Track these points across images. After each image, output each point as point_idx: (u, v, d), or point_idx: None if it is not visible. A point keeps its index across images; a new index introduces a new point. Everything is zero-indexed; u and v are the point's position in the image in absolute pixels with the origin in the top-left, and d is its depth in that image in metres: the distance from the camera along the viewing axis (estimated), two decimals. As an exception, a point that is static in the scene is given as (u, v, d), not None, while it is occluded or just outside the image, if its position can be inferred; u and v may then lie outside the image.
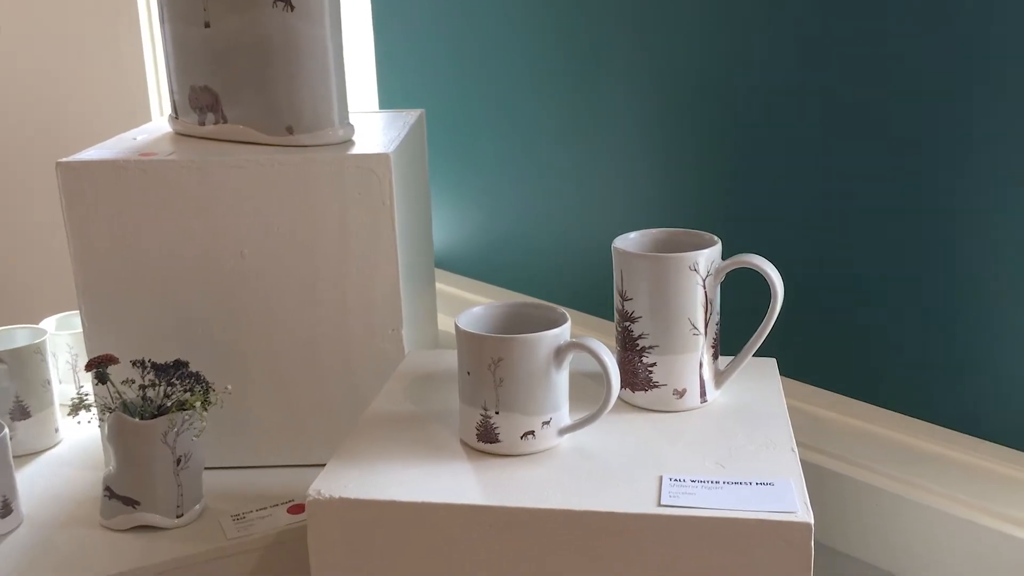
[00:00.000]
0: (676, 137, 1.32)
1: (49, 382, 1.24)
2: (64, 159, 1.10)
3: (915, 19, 1.05)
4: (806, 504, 0.75)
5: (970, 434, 1.07)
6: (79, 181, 1.09)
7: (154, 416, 1.03)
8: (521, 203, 1.56)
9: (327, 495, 0.80)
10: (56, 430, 1.26)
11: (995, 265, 1.02)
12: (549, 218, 1.52)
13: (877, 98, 1.10)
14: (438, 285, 1.56)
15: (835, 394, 1.18)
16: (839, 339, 1.18)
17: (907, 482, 1.03)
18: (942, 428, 1.09)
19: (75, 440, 1.27)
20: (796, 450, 0.84)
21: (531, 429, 0.84)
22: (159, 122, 1.33)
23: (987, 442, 1.06)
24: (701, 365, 0.92)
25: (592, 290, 1.45)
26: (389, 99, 1.72)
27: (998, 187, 1.00)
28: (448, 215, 1.68)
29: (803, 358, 1.19)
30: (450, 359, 1.02)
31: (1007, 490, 1.00)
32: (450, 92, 1.62)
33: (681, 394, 0.92)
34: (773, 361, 1.02)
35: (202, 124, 1.19)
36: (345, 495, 0.79)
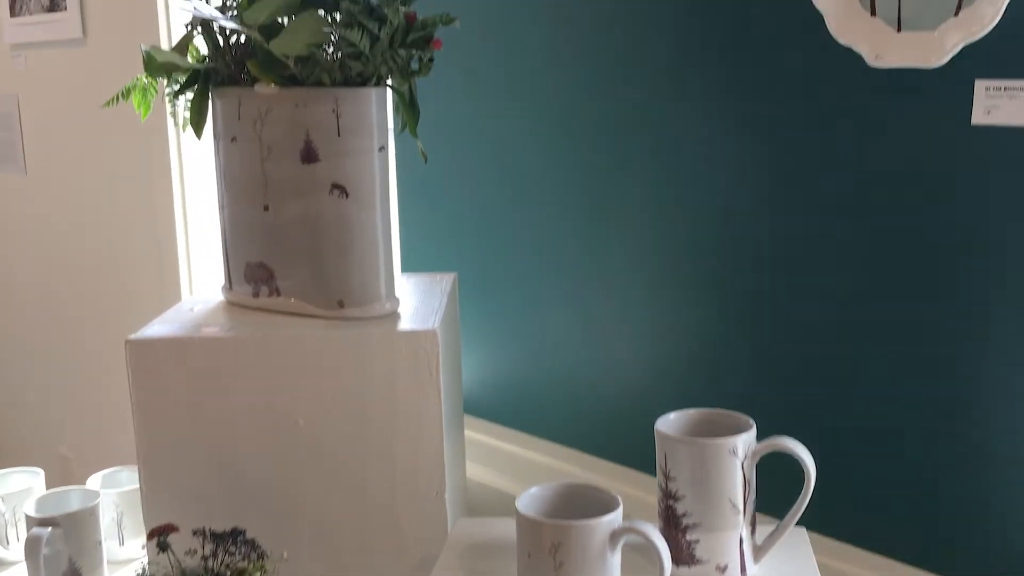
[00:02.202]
0: (684, 294, 1.41)
1: (100, 543, 1.28)
2: (133, 336, 1.17)
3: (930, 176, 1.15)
4: None
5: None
6: (147, 357, 1.16)
7: (213, 584, 1.08)
8: (542, 349, 1.64)
9: None
10: (103, 591, 1.30)
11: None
12: (570, 363, 1.60)
13: (897, 261, 1.19)
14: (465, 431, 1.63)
15: (859, 549, 1.25)
16: (860, 494, 1.25)
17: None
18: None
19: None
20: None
21: (588, 610, 0.90)
22: (209, 292, 1.40)
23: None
24: (741, 541, 0.98)
25: (611, 437, 1.52)
26: (410, 255, 1.81)
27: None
28: (471, 361, 1.76)
29: (826, 513, 1.26)
30: (498, 529, 1.08)
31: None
32: (472, 246, 1.71)
33: (723, 570, 0.98)
34: (803, 530, 1.09)
35: (256, 296, 1.27)
36: None
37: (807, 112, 1.30)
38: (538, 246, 1.62)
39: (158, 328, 1.21)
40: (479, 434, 1.71)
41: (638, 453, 1.46)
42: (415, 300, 1.33)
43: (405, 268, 1.82)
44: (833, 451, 1.24)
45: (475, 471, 1.65)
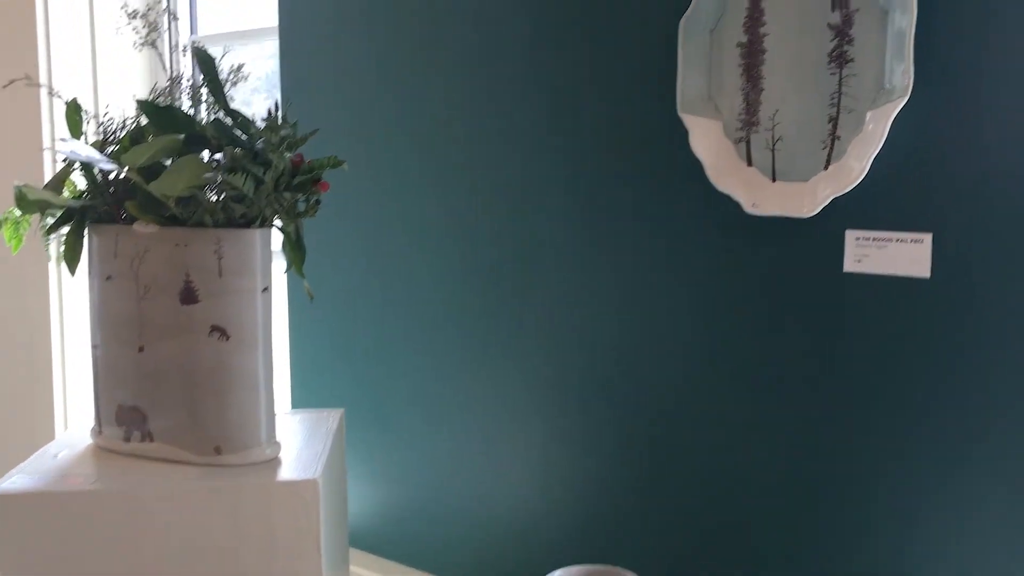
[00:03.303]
0: (575, 440, 1.41)
1: None
2: (-10, 491, 1.09)
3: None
4: None
5: None
6: (7, 512, 1.08)
7: None
8: (431, 485, 1.60)
9: None
10: None
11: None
12: (459, 501, 1.56)
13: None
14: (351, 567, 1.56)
15: None
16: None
17: None
18: None
19: None
20: None
21: None
22: (77, 433, 1.33)
23: None
24: None
25: (491, 562, 1.48)
26: (301, 391, 1.77)
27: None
28: (358, 494, 1.70)
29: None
30: None
31: None
32: (359, 386, 1.68)
33: None
34: None
35: (127, 440, 1.20)
36: None
37: (691, 256, 1.33)
38: (427, 382, 1.60)
39: (19, 480, 1.13)
40: (365, 570, 1.64)
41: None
42: (298, 443, 1.28)
43: (295, 404, 1.78)
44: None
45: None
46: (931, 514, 1.16)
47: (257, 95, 2.24)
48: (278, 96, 1.75)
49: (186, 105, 1.18)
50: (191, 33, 2.30)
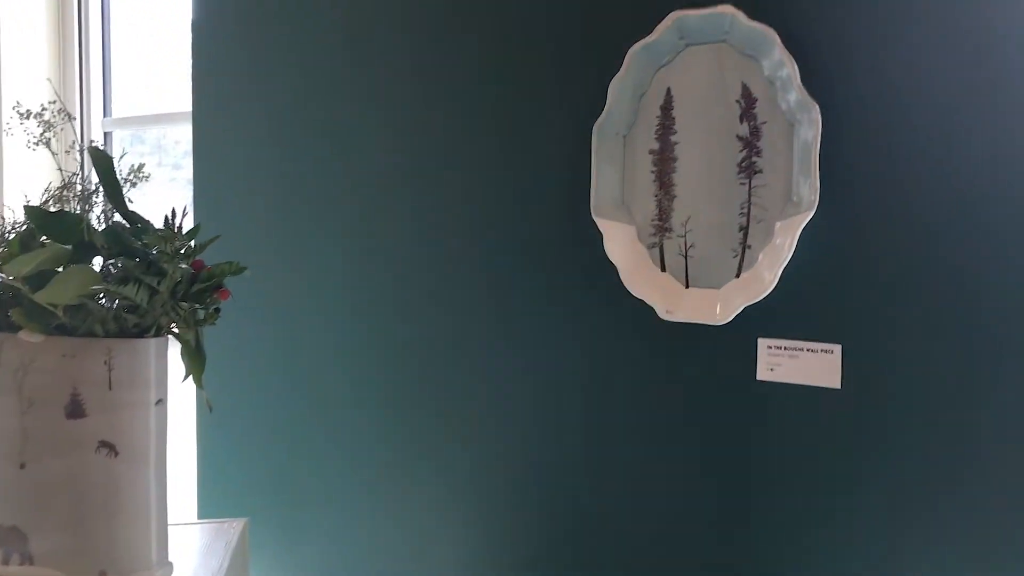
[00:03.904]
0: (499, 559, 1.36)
1: None
2: None
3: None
4: None
5: None
6: None
7: None
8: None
9: None
10: None
11: None
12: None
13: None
14: None
15: None
16: None
17: None
18: None
19: None
20: None
21: None
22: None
23: None
24: None
25: None
26: (208, 500, 1.69)
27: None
28: (265, 605, 1.62)
29: None
30: None
31: None
32: (267, 495, 1.61)
33: None
34: None
35: (5, 563, 1.12)
36: None
37: (606, 358, 1.31)
38: (339, 485, 1.54)
39: None
40: None
41: None
42: (194, 560, 1.21)
43: (203, 514, 1.70)
44: None
45: None
46: (847, 630, 1.14)
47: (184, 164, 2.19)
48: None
49: (80, 207, 1.13)
50: (104, 115, 2.25)
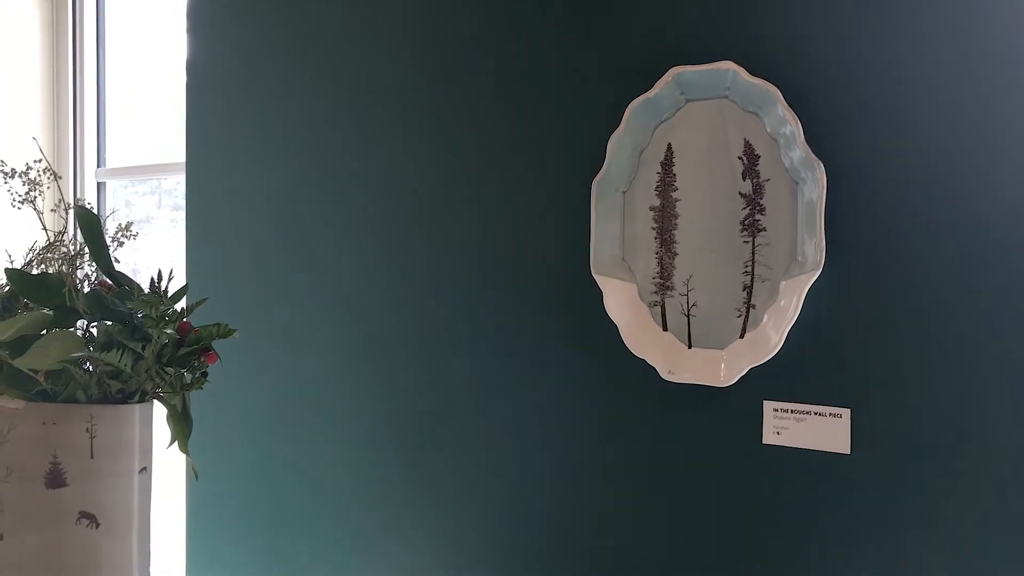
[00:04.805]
0: None
1: None
2: None
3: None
4: None
5: None
6: None
7: None
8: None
9: None
10: None
11: None
12: None
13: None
14: None
15: None
16: None
17: None
18: None
19: None
20: None
21: None
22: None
23: None
24: None
25: None
26: (197, 563, 1.64)
27: None
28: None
29: None
30: None
31: None
32: (260, 563, 1.57)
33: None
34: None
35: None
36: None
37: (607, 418, 1.27)
38: (325, 556, 1.49)
39: None
40: None
41: None
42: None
43: None
44: None
45: None
46: None
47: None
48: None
49: (65, 268, 1.10)
50: (98, 166, 2.23)
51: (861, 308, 1.11)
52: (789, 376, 1.15)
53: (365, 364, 1.47)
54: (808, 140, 1.11)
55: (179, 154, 1.98)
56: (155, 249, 2.29)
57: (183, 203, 1.68)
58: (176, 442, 1.13)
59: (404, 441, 1.43)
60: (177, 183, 2.20)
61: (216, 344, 1.10)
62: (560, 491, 1.30)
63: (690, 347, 1.21)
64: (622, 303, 1.24)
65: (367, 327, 1.47)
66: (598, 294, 1.25)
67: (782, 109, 1.12)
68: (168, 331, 1.02)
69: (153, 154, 2.21)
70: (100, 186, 2.22)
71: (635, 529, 1.25)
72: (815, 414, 1.13)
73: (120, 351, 1.00)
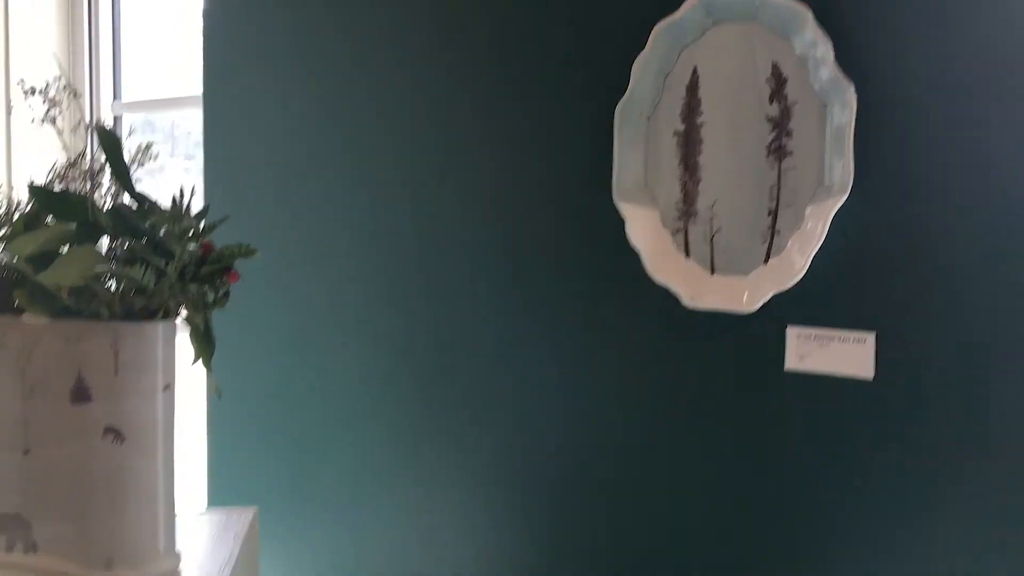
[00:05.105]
0: (510, 537, 1.33)
1: None
2: None
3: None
4: None
5: None
6: None
7: None
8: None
9: None
10: None
11: None
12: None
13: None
14: None
15: None
16: None
17: None
18: None
19: None
20: None
21: None
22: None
23: None
24: None
25: None
26: (217, 487, 1.66)
27: None
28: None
29: None
30: None
31: None
32: (278, 482, 1.58)
33: None
34: None
35: (10, 550, 1.09)
36: None
37: (628, 347, 1.27)
38: (351, 474, 1.50)
39: None
40: None
41: None
42: (202, 550, 1.18)
43: (212, 502, 1.67)
44: None
45: None
46: (877, 630, 1.10)
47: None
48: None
49: (86, 187, 1.10)
50: (113, 98, 2.22)
51: (887, 233, 1.10)
52: (813, 301, 1.14)
53: (386, 290, 1.47)
54: (838, 61, 1.09)
55: (196, 88, 1.97)
56: (168, 196, 2.29)
57: (195, 151, 1.67)
58: (200, 360, 1.14)
59: (423, 366, 1.43)
60: (188, 132, 2.19)
61: (240, 267, 1.10)
62: (578, 419, 1.30)
63: (713, 273, 1.20)
64: (645, 230, 1.23)
65: (388, 254, 1.46)
66: (621, 222, 1.24)
67: (813, 29, 1.09)
68: (191, 248, 1.02)
69: (168, 90, 2.20)
70: (116, 119, 2.21)
71: (653, 457, 1.25)
72: (839, 340, 1.13)
73: (143, 267, 0.99)
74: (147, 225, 1.01)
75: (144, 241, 1.01)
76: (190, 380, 1.16)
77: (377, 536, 1.48)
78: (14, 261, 1.00)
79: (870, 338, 1.11)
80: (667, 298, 1.22)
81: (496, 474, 1.37)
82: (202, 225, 1.03)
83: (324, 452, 1.54)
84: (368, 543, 1.50)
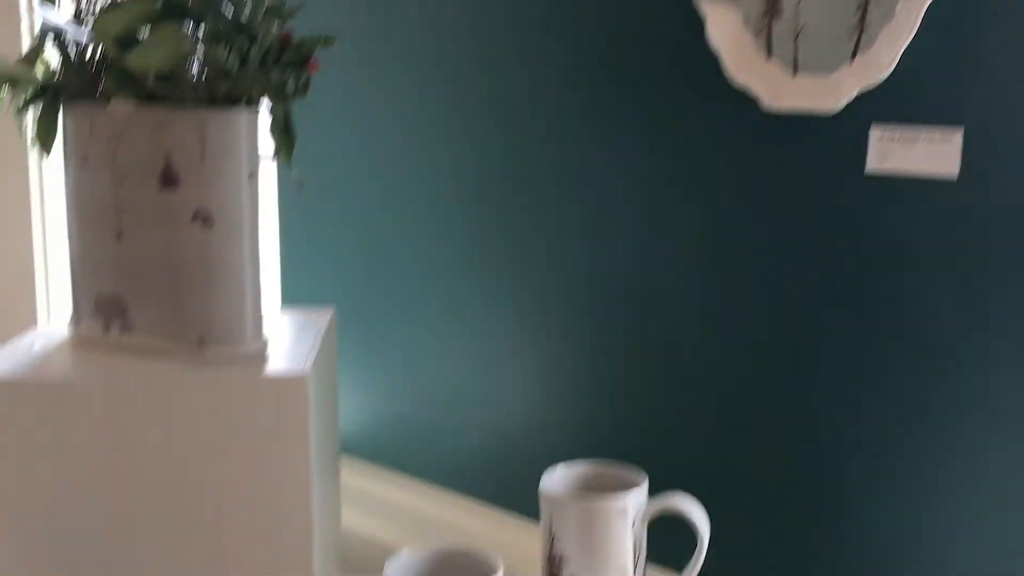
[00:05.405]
0: (581, 336, 1.35)
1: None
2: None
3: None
4: None
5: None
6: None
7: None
8: (428, 389, 1.56)
9: None
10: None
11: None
12: (457, 404, 1.52)
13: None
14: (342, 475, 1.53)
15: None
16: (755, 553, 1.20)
17: None
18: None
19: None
20: None
21: None
22: (55, 326, 1.27)
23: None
24: (630, 609, 0.92)
25: (498, 482, 1.45)
26: (291, 287, 1.71)
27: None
28: (351, 398, 1.66)
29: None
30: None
31: None
32: (356, 277, 1.62)
33: (610, 640, 0.91)
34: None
35: (107, 331, 1.15)
36: None
37: (704, 154, 1.26)
38: (425, 280, 1.54)
39: (-9, 368, 1.08)
40: (357, 478, 1.60)
41: (526, 500, 1.39)
42: (287, 340, 1.22)
43: (285, 302, 1.72)
44: (729, 507, 1.19)
45: (352, 519, 1.54)
46: (947, 420, 1.11)
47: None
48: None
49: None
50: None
51: (982, 26, 1.05)
52: (899, 99, 1.11)
53: (458, 108, 1.47)
54: None
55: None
56: None
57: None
58: (280, 153, 1.16)
59: (502, 178, 1.44)
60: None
61: (321, 57, 1.10)
62: (651, 225, 1.31)
63: (796, 74, 1.17)
64: (725, 29, 1.20)
65: (457, 75, 1.45)
66: (700, 22, 1.21)
67: None
68: (273, 31, 1.02)
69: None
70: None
71: (728, 264, 1.25)
72: (924, 139, 1.10)
73: (227, 48, 1.00)
74: (230, 2, 1.01)
75: (228, 22, 1.01)
76: (266, 171, 1.18)
77: (442, 357, 1.53)
78: (102, 42, 1.01)
79: (957, 136, 1.08)
80: (746, 101, 1.20)
81: (565, 290, 1.39)
82: (284, 3, 1.03)
83: (395, 257, 1.56)
84: (434, 363, 1.54)
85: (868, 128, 1.14)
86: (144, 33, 1.04)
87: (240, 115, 1.08)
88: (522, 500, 1.44)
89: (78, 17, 1.09)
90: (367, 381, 1.64)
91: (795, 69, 1.17)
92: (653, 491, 1.02)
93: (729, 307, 1.26)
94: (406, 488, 1.58)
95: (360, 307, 1.62)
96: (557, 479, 0.95)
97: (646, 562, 0.94)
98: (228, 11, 1.03)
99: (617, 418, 1.35)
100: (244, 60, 1.03)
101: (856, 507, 1.15)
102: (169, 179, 1.07)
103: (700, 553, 0.91)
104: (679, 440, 1.29)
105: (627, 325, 1.34)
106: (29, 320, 1.89)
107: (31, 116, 1.14)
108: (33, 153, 1.86)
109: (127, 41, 1.02)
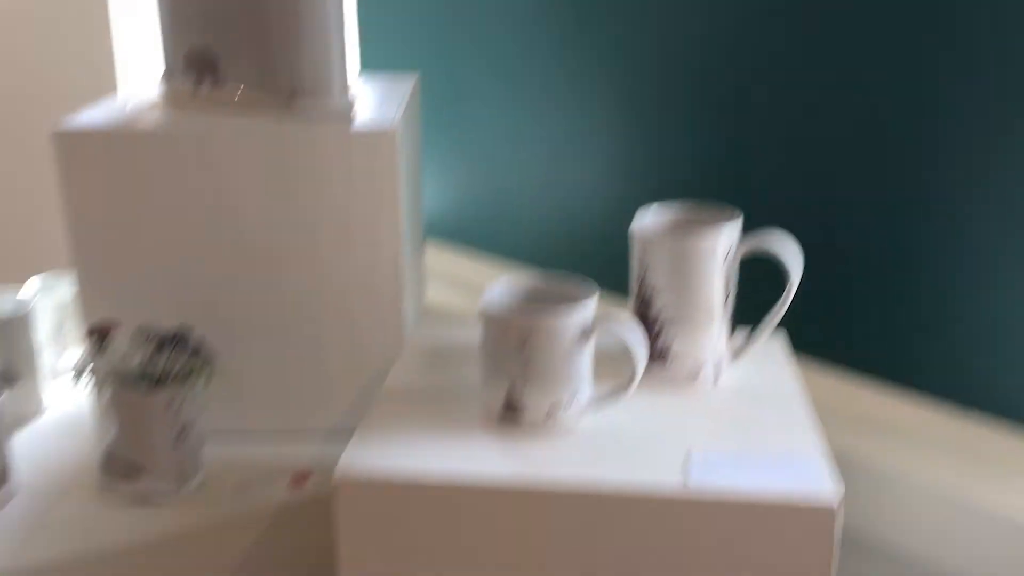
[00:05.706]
0: (672, 99, 1.32)
1: (35, 350, 1.20)
2: (62, 129, 1.06)
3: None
4: (833, 477, 0.77)
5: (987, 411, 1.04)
6: (78, 152, 1.06)
7: (155, 384, 1.01)
8: (514, 167, 1.55)
9: (357, 475, 0.79)
10: (40, 400, 1.23)
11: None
12: (543, 183, 1.51)
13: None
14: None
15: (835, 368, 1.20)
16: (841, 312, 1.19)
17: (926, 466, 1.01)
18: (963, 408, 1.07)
19: (59, 409, 1.25)
20: (817, 425, 0.86)
21: (556, 407, 0.85)
22: (146, 86, 1.29)
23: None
24: (718, 342, 0.94)
25: (581, 257, 1.46)
26: (372, 57, 1.69)
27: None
28: (434, 180, 1.67)
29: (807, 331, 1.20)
30: (460, 331, 1.03)
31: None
32: (436, 52, 1.59)
33: (698, 372, 0.93)
34: (782, 335, 1.04)
35: (199, 84, 1.16)
36: (374, 476, 0.79)
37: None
38: (508, 51, 1.50)
39: (88, 120, 1.10)
40: (439, 258, 1.63)
41: (608, 275, 1.40)
42: (374, 99, 1.23)
43: (365, 67, 1.69)
44: (820, 263, 1.18)
45: (435, 296, 1.58)
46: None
47: None
48: None
49: None
50: None
51: None
52: None
53: None
54: None
55: None
56: None
57: None
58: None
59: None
60: None
61: None
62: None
63: None
64: None
65: None
66: None
67: None
68: None
69: None
70: None
71: (825, 16, 1.19)
72: None
73: None
74: None
75: None
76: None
77: (528, 123, 1.50)
78: None
79: None
80: None
81: (642, 64, 1.34)
82: None
83: (478, 25, 1.52)
84: (519, 128, 1.52)
85: None
86: None
87: None
88: (604, 275, 1.45)
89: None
90: (448, 159, 1.64)
91: None
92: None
93: (822, 52, 1.20)
94: (488, 265, 1.60)
95: (440, 80, 1.58)
96: (649, 217, 0.96)
97: (735, 300, 0.94)
98: None
99: (697, 185, 1.33)
100: None
101: (960, 277, 1.13)
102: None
103: (789, 292, 0.91)
104: (752, 183, 1.26)
105: (700, 90, 1.30)
106: (108, 79, 1.88)
107: None
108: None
109: None
